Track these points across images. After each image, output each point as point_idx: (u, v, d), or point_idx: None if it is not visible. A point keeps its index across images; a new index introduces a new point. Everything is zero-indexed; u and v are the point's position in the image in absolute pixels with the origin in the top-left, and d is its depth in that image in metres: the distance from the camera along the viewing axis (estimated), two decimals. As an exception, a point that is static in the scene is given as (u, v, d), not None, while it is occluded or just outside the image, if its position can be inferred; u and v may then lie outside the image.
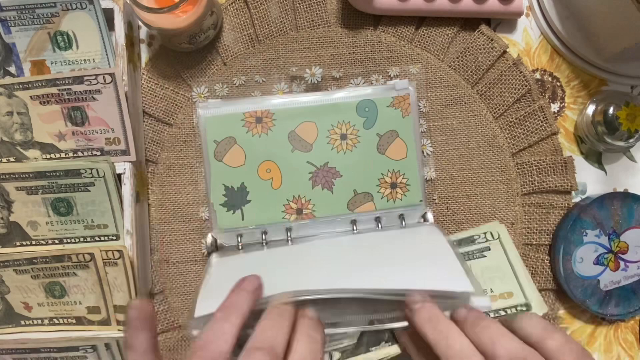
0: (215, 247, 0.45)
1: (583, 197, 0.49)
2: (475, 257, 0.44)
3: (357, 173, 0.45)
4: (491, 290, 0.43)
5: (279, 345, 0.28)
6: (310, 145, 0.45)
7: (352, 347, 0.40)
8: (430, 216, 0.46)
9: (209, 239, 0.45)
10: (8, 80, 0.42)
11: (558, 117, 0.49)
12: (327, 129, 0.45)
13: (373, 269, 0.36)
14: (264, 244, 0.45)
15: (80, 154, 0.44)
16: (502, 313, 0.42)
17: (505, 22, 0.49)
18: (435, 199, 0.47)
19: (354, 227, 0.45)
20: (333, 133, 0.45)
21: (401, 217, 0.45)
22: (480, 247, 0.44)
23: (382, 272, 0.35)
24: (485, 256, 0.44)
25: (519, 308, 0.42)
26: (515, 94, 0.47)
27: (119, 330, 0.43)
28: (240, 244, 0.45)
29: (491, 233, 0.44)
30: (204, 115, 0.45)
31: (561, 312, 0.48)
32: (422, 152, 0.47)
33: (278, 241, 0.45)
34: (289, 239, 0.45)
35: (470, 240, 0.45)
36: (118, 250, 0.41)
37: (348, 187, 0.45)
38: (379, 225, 0.45)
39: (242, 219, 0.45)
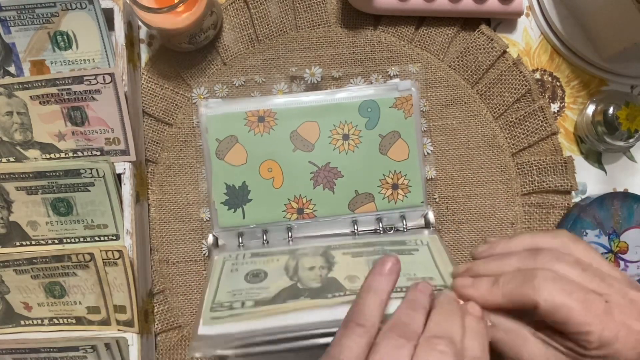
0: (217, 247, 0.45)
1: (583, 197, 0.49)
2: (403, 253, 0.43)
3: (359, 173, 0.45)
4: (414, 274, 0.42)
5: (457, 337, 0.29)
6: (312, 145, 0.45)
7: (267, 300, 0.37)
8: (431, 216, 0.46)
9: (210, 239, 0.45)
10: (8, 80, 0.42)
11: (558, 117, 0.49)
12: (329, 129, 0.45)
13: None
14: (265, 243, 0.45)
15: (80, 154, 0.44)
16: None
17: (505, 22, 0.49)
18: (436, 198, 0.47)
19: (355, 227, 0.45)
20: (335, 133, 0.45)
21: (402, 217, 0.45)
22: (409, 248, 0.44)
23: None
24: (412, 254, 0.43)
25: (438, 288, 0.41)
26: (515, 94, 0.47)
27: (119, 330, 0.43)
28: (241, 244, 0.45)
29: (422, 240, 0.43)
30: (205, 114, 0.45)
31: (561, 312, 0.48)
32: (423, 151, 0.47)
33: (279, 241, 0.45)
34: (289, 238, 0.45)
35: (401, 243, 0.44)
36: (118, 250, 0.41)
37: (349, 187, 0.45)
38: (380, 225, 0.45)
39: (243, 217, 0.45)
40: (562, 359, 0.30)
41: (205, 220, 0.47)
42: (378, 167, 0.45)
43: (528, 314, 0.32)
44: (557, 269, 0.30)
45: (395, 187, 0.45)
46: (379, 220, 0.45)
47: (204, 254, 0.47)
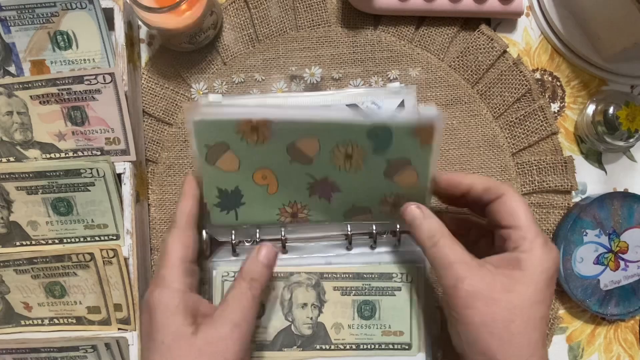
0: (210, 244, 0.45)
1: (583, 197, 0.49)
2: (386, 293, 0.44)
3: (358, 191, 0.42)
4: (389, 327, 0.44)
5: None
6: (311, 159, 0.41)
7: (267, 343, 0.43)
8: None
9: (204, 235, 0.45)
10: (8, 80, 0.42)
11: (558, 117, 0.49)
12: (330, 146, 0.41)
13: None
14: (258, 241, 0.44)
15: (80, 153, 0.44)
16: (383, 346, 0.44)
17: (505, 22, 0.49)
18: (432, 201, 0.47)
19: (349, 230, 0.44)
20: (337, 151, 0.41)
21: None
22: (393, 286, 0.44)
23: None
24: (394, 295, 0.44)
25: (402, 346, 0.44)
26: (515, 93, 0.47)
27: (119, 329, 0.43)
28: (234, 240, 0.44)
29: (407, 276, 0.44)
30: (191, 119, 0.39)
31: (561, 311, 0.48)
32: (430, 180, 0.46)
33: (273, 240, 0.45)
34: (282, 237, 0.45)
35: (389, 277, 0.44)
36: (112, 249, 0.41)
37: (347, 201, 0.43)
38: (374, 228, 0.44)
39: (236, 219, 0.45)
40: (505, 281, 0.34)
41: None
42: (380, 188, 0.42)
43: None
44: None
45: (395, 205, 0.42)
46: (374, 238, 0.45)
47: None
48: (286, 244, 0.44)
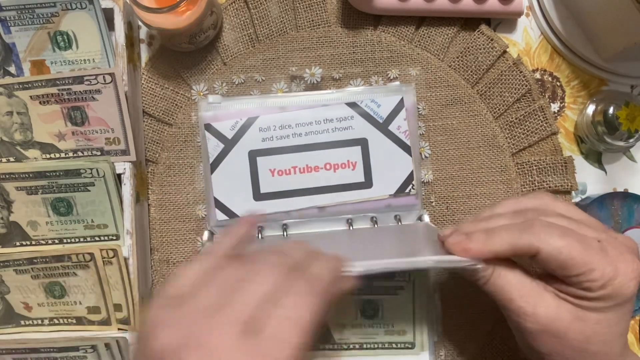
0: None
1: (583, 197, 0.49)
2: (389, 293, 0.44)
3: None
4: (392, 326, 0.44)
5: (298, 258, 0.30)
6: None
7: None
8: (427, 219, 0.46)
9: (206, 235, 0.46)
10: (8, 80, 0.42)
11: (558, 117, 0.49)
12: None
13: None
14: (260, 238, 0.45)
15: (80, 154, 0.44)
16: (386, 345, 0.44)
17: (505, 22, 0.49)
18: (432, 202, 0.47)
19: (350, 228, 0.45)
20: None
21: (398, 219, 0.45)
22: (397, 284, 0.44)
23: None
24: (397, 294, 0.44)
25: (405, 345, 0.44)
26: (515, 93, 0.47)
27: (119, 329, 0.43)
28: None
29: (411, 274, 0.44)
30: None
31: (561, 312, 0.48)
32: (420, 154, 0.47)
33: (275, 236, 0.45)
34: (284, 235, 0.45)
35: (391, 275, 0.44)
36: (112, 249, 0.41)
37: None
38: (375, 226, 0.45)
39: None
40: (573, 310, 0.31)
41: (201, 217, 0.47)
42: None
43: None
44: (548, 220, 0.32)
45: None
46: (374, 222, 0.45)
47: (199, 251, 0.47)
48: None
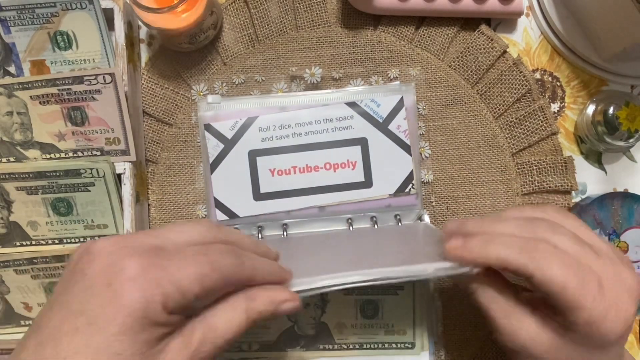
0: None
1: (583, 197, 0.49)
2: (389, 292, 0.45)
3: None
4: (392, 326, 0.44)
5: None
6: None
7: (271, 343, 0.43)
8: (426, 219, 0.46)
9: None
10: (8, 80, 0.42)
11: (558, 117, 0.49)
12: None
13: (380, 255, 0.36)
14: (260, 238, 0.45)
15: (80, 154, 0.44)
16: (386, 345, 0.44)
17: (505, 22, 0.49)
18: (432, 202, 0.47)
19: (350, 228, 0.45)
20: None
21: (398, 219, 0.45)
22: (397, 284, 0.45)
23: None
24: (397, 294, 0.45)
25: (405, 345, 0.44)
26: (515, 93, 0.47)
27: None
28: None
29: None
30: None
31: (561, 312, 0.48)
32: (420, 154, 0.47)
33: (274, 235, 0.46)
34: (284, 235, 0.45)
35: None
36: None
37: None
38: (375, 227, 0.45)
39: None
40: (554, 337, 0.31)
41: (201, 217, 0.47)
42: None
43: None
44: (555, 241, 0.31)
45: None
46: (374, 221, 0.45)
47: None
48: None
